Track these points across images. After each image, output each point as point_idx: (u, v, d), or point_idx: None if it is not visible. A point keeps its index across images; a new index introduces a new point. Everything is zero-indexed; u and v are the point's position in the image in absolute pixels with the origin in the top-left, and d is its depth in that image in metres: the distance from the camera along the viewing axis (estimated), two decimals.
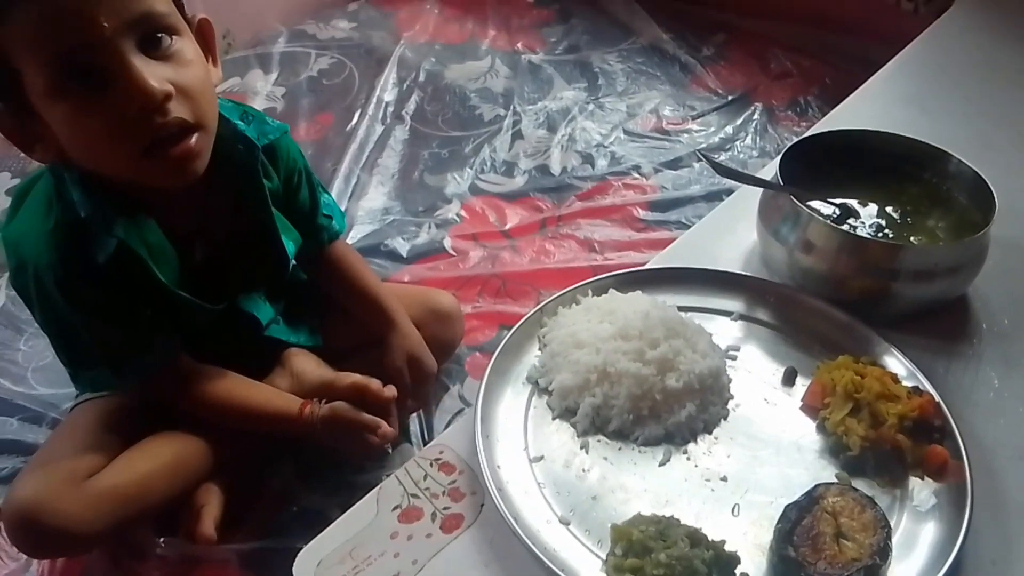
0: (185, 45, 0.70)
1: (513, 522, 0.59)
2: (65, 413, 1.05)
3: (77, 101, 0.66)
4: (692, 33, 1.85)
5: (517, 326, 0.75)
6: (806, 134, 0.90)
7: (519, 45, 1.84)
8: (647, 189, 1.42)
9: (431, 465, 0.67)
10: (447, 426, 1.03)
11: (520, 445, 0.67)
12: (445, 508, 0.64)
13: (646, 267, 0.84)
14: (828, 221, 0.76)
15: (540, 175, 1.47)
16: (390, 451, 0.93)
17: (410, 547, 0.61)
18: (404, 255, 1.32)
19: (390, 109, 1.63)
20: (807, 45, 1.76)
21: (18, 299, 1.22)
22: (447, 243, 1.34)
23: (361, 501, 0.65)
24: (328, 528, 0.63)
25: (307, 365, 0.99)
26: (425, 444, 1.01)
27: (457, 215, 1.39)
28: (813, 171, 0.82)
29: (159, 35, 0.68)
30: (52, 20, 0.63)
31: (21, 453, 1.02)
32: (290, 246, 0.93)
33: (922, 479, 0.64)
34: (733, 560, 0.58)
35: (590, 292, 0.78)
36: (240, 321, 0.93)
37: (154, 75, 0.66)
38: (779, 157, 0.80)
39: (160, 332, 0.85)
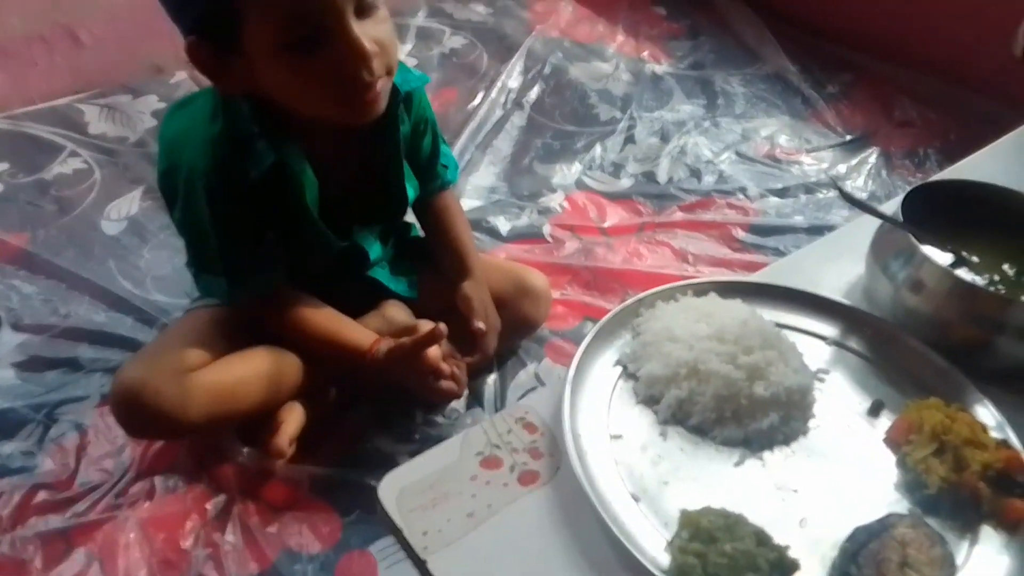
0: (381, 4, 0.78)
1: (587, 487, 0.62)
2: (176, 320, 1.14)
3: (299, 55, 0.75)
4: (819, 68, 1.84)
5: (615, 311, 0.77)
6: (932, 178, 0.90)
7: (645, 54, 1.87)
8: (750, 212, 1.43)
9: (516, 422, 0.70)
10: (520, 399, 1.07)
11: (602, 421, 0.70)
12: (523, 463, 0.67)
13: (749, 279, 0.85)
14: (943, 264, 0.76)
15: (646, 181, 1.50)
16: (457, 394, 0.97)
17: (487, 491, 0.65)
18: (503, 234, 1.36)
19: (512, 96, 1.68)
20: (935, 97, 1.73)
21: (148, 211, 1.34)
22: (546, 230, 1.38)
23: (446, 441, 0.69)
24: (414, 459, 0.67)
25: (399, 314, 1.05)
26: (497, 411, 1.05)
27: (559, 205, 1.43)
28: (933, 216, 0.82)
29: (369, 1, 0.76)
30: None
31: (132, 349, 1.11)
32: (410, 190, 0.99)
33: (995, 530, 0.64)
34: (794, 566, 0.60)
35: (690, 292, 0.81)
36: (351, 255, 0.99)
37: (365, 35, 0.75)
38: (902, 195, 0.81)
39: (276, 257, 0.92)
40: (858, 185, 1.53)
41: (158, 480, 0.96)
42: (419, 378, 0.94)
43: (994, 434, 0.68)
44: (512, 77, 1.73)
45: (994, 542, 0.64)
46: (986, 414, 0.71)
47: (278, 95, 0.81)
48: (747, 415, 0.70)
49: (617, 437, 0.70)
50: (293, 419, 0.99)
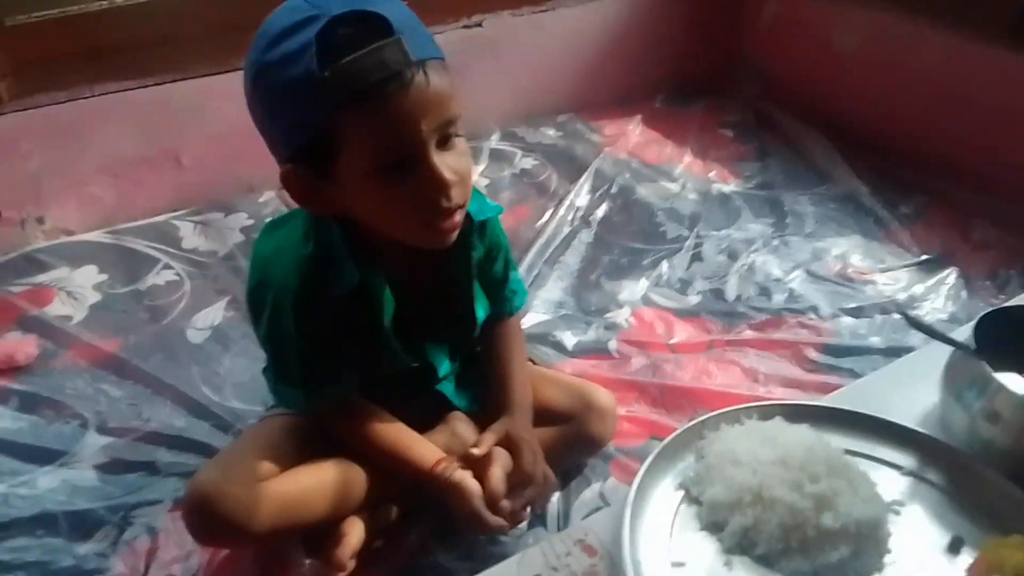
0: (461, 139, 0.84)
1: None
2: (249, 427, 1.18)
3: (387, 182, 0.80)
4: (891, 190, 1.83)
5: (678, 432, 0.77)
6: (1008, 303, 0.88)
7: (713, 174, 1.90)
8: (823, 332, 1.41)
9: (575, 544, 0.69)
10: (583, 519, 1.05)
11: (664, 546, 0.69)
12: None
13: (817, 403, 0.84)
14: (1020, 393, 0.73)
15: (714, 298, 1.50)
16: (506, 536, 0.96)
17: None
18: (569, 348, 1.37)
19: (580, 213, 1.73)
20: (1014, 221, 1.69)
21: (231, 321, 1.41)
22: (612, 345, 1.38)
23: (503, 563, 0.69)
24: None
25: (466, 430, 1.06)
26: (560, 531, 1.03)
27: (626, 321, 1.44)
28: (1009, 342, 0.80)
29: (451, 134, 0.81)
30: (390, 120, 0.77)
31: (207, 454, 1.14)
32: (480, 311, 1.02)
33: None
34: None
35: (755, 415, 0.80)
36: (420, 370, 1.02)
37: (445, 165, 0.81)
38: (975, 321, 0.79)
39: (351, 369, 0.96)
40: (936, 306, 1.49)
41: None
42: (471, 518, 0.94)
43: None
44: (580, 196, 1.78)
45: None
46: None
47: (364, 218, 0.87)
48: (815, 547, 0.67)
49: (679, 564, 0.68)
50: (355, 532, 0.99)
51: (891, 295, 1.51)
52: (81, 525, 1.05)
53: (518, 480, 0.98)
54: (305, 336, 0.91)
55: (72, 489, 1.10)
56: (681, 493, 0.74)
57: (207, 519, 0.91)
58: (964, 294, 1.51)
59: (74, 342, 1.35)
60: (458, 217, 0.86)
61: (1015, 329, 0.81)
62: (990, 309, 0.81)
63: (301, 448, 0.99)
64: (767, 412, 0.80)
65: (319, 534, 0.98)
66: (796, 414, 0.79)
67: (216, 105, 1.65)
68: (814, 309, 1.46)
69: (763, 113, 2.15)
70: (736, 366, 1.34)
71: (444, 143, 0.82)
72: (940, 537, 0.71)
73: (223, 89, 1.65)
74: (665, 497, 0.73)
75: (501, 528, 0.94)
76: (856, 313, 1.46)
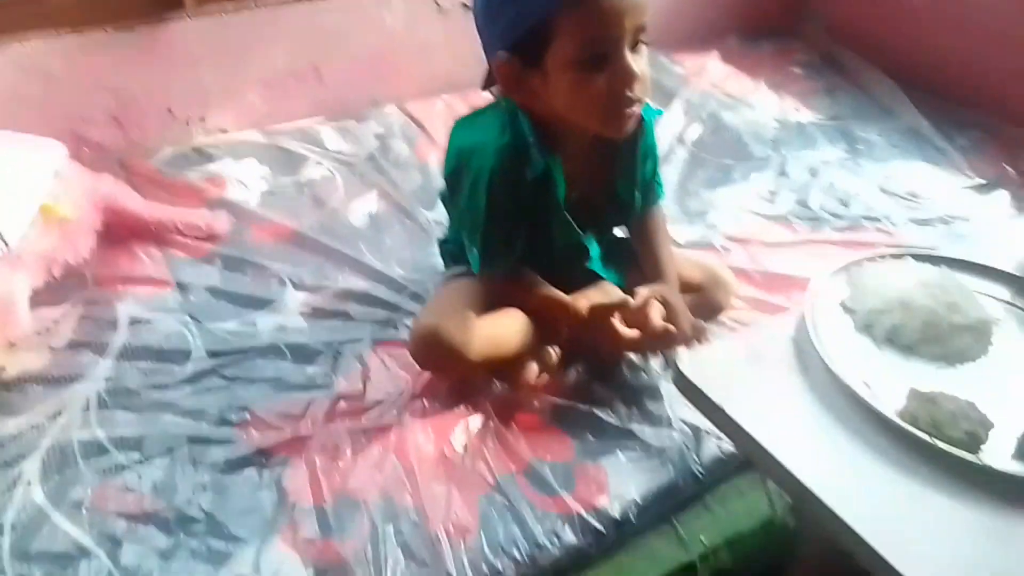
0: (646, 47, 1.03)
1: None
2: (443, 284, 1.35)
3: (585, 73, 1.00)
4: (949, 125, 2.02)
5: (834, 271, 0.98)
6: None
7: (788, 106, 2.10)
8: (895, 236, 1.63)
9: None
10: None
11: (832, 339, 0.91)
12: None
13: (940, 253, 1.04)
14: None
15: (800, 207, 1.71)
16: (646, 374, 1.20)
17: None
18: (682, 243, 1.58)
19: (675, 134, 1.93)
20: None
21: (386, 212, 1.62)
22: (716, 240, 1.60)
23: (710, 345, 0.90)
24: None
25: (615, 292, 1.28)
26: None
27: (726, 222, 1.66)
28: None
29: (641, 40, 1.01)
30: (600, 15, 0.96)
31: (392, 309, 1.36)
32: (638, 200, 1.23)
33: None
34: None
35: (888, 258, 1.02)
36: (576, 252, 1.24)
37: (635, 63, 1.00)
38: None
39: (520, 248, 1.17)
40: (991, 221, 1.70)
41: (427, 403, 1.20)
42: (610, 333, 1.17)
43: None
44: (674, 119, 1.98)
45: None
46: None
47: (559, 107, 1.05)
48: (947, 337, 0.89)
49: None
50: (535, 366, 1.22)
51: (951, 210, 1.72)
52: (303, 354, 1.27)
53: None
54: (490, 213, 1.11)
55: (287, 329, 1.32)
56: (836, 305, 0.96)
57: (433, 348, 1.13)
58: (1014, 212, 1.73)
59: (257, 220, 1.56)
60: (638, 109, 1.06)
61: None
62: None
63: (484, 300, 1.22)
64: (899, 256, 1.01)
65: (505, 368, 1.21)
66: (919, 258, 1.01)
67: (353, 29, 1.85)
68: (887, 218, 1.68)
69: (829, 55, 2.34)
70: (823, 260, 1.55)
71: (634, 47, 1.01)
72: None
73: (361, 15, 1.85)
74: (826, 309, 0.95)
75: (636, 342, 1.17)
76: (923, 223, 1.68)
